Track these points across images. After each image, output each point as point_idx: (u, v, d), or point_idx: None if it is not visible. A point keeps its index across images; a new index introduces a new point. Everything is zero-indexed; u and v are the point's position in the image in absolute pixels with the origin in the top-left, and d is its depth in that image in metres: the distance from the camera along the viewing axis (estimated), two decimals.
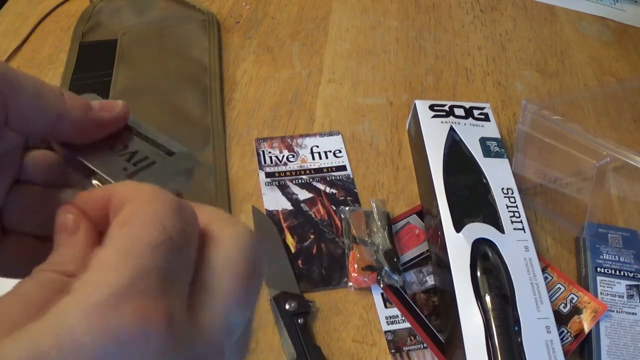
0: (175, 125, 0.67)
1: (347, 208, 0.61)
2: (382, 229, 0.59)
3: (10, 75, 0.26)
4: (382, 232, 0.58)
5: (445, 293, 0.54)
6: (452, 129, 0.63)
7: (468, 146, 0.61)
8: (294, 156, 0.66)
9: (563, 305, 0.55)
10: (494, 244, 0.54)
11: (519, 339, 0.48)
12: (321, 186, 0.64)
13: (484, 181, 0.59)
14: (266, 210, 0.61)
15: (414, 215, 0.62)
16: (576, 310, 0.54)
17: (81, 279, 0.19)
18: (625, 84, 0.76)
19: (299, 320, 0.52)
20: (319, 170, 0.65)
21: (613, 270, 0.57)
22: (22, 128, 0.28)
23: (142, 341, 0.18)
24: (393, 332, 0.54)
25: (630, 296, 0.55)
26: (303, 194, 0.63)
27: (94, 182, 0.28)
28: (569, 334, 0.53)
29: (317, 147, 0.67)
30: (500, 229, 0.55)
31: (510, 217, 0.56)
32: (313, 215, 0.61)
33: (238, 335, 0.23)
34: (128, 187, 0.23)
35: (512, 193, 0.58)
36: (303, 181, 0.64)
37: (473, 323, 0.49)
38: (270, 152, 0.66)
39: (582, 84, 0.78)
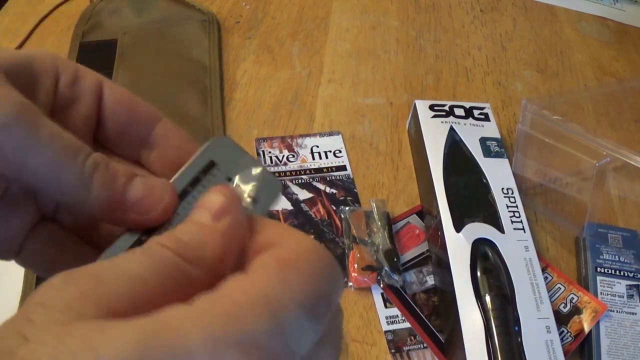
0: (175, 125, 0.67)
1: (347, 208, 0.61)
2: (382, 229, 0.59)
3: (25, 150, 0.22)
4: (382, 232, 0.58)
5: (445, 293, 0.54)
6: (452, 129, 0.63)
7: (468, 146, 0.61)
8: (294, 156, 0.66)
9: (563, 305, 0.55)
10: (494, 244, 0.54)
11: (519, 339, 0.49)
12: (321, 186, 0.64)
13: (484, 181, 0.59)
14: None
15: (414, 215, 0.62)
16: (576, 310, 0.54)
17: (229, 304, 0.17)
18: (625, 84, 0.76)
19: None
20: (319, 170, 0.65)
21: (613, 270, 0.57)
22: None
23: None
24: (393, 332, 0.54)
25: (630, 296, 0.55)
26: (303, 194, 0.63)
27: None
28: (569, 334, 0.53)
29: (317, 147, 0.67)
30: (500, 229, 0.55)
31: (510, 217, 0.56)
32: (313, 215, 0.61)
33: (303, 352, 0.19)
34: (287, 232, 0.21)
35: (512, 193, 0.58)
36: (303, 181, 0.64)
37: (473, 323, 0.49)
38: (270, 152, 0.66)
39: (582, 84, 0.78)
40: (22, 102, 0.22)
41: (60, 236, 0.27)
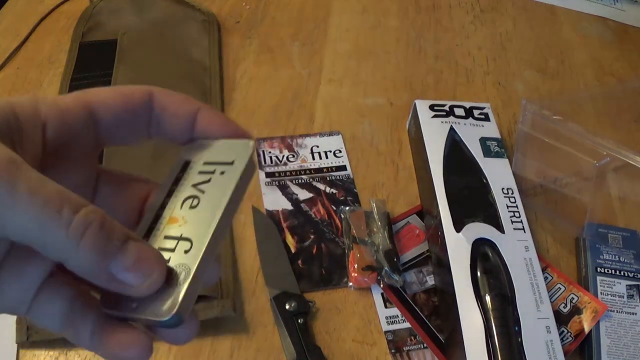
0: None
1: (347, 208, 0.61)
2: (382, 229, 0.59)
3: (5, 203, 0.21)
4: (382, 232, 0.58)
5: (445, 293, 0.54)
6: (452, 129, 0.63)
7: (468, 146, 0.61)
8: (294, 156, 0.66)
9: (563, 305, 0.55)
10: (494, 244, 0.54)
11: (519, 339, 0.48)
12: (321, 186, 0.64)
13: (484, 181, 0.59)
14: (266, 210, 0.61)
15: (414, 215, 0.62)
16: (576, 310, 0.54)
17: None
18: (625, 84, 0.76)
19: (299, 320, 0.52)
20: (319, 170, 0.65)
21: (613, 270, 0.57)
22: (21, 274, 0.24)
23: None
24: (393, 332, 0.54)
25: (631, 296, 0.55)
26: (303, 194, 0.63)
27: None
28: (569, 334, 0.53)
29: (317, 147, 0.67)
30: (500, 229, 0.55)
31: (510, 217, 0.56)
32: (313, 215, 0.61)
33: None
34: None
35: (512, 193, 0.58)
36: (303, 181, 0.64)
37: (473, 323, 0.49)
38: (270, 152, 0.66)
39: (582, 84, 0.78)
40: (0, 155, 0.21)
41: (70, 288, 0.26)
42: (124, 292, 0.23)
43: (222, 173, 0.27)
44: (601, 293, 0.55)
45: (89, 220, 0.22)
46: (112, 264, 0.22)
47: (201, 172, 0.27)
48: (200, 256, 0.24)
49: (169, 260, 0.25)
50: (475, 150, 0.61)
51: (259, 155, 0.66)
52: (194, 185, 0.27)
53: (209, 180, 0.27)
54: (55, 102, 0.25)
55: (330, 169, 0.65)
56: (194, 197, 0.26)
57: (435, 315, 0.55)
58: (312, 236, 0.59)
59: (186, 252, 0.25)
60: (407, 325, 0.54)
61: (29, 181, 0.21)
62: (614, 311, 0.54)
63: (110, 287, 0.23)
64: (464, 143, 0.62)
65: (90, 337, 0.25)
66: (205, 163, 0.27)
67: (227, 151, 0.27)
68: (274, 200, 0.62)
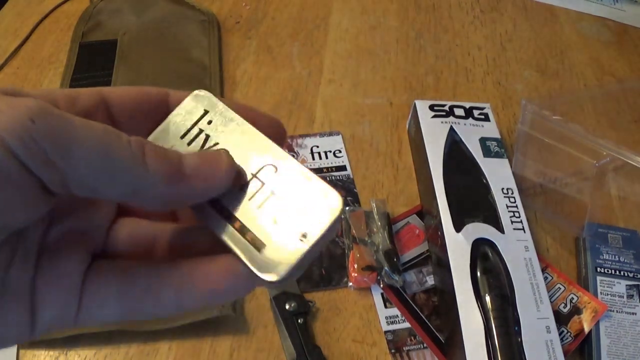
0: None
1: (347, 208, 0.61)
2: (382, 229, 0.59)
3: (65, 135, 0.19)
4: (382, 232, 0.58)
5: (445, 293, 0.54)
6: (452, 129, 0.63)
7: (468, 146, 0.61)
8: (294, 156, 0.66)
9: (563, 305, 0.55)
10: (494, 244, 0.54)
11: (519, 339, 0.49)
12: None
13: (484, 181, 0.59)
14: None
15: (414, 215, 0.62)
16: (576, 310, 0.54)
17: None
18: (625, 84, 0.76)
19: (299, 320, 0.52)
20: (319, 170, 0.65)
21: (613, 270, 0.57)
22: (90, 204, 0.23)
23: None
24: (393, 332, 0.54)
25: (630, 296, 0.55)
26: None
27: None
28: (569, 334, 0.53)
29: (317, 147, 0.67)
30: (500, 229, 0.55)
31: (510, 217, 0.56)
32: None
33: None
34: None
35: (512, 193, 0.58)
36: None
37: (473, 323, 0.49)
38: None
39: (582, 84, 0.78)
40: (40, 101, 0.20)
41: (119, 262, 0.24)
42: (208, 191, 0.23)
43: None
44: (601, 293, 0.55)
45: (142, 141, 0.21)
46: (183, 165, 0.22)
47: None
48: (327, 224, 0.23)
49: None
50: (475, 151, 0.61)
51: None
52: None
53: None
54: (68, 91, 0.25)
55: (330, 169, 0.65)
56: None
57: (435, 315, 0.55)
58: None
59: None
60: (407, 325, 0.54)
61: (76, 117, 0.20)
62: (613, 311, 0.54)
63: (195, 193, 0.22)
64: (463, 143, 0.62)
65: (172, 289, 0.23)
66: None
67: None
68: None
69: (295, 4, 0.86)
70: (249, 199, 0.24)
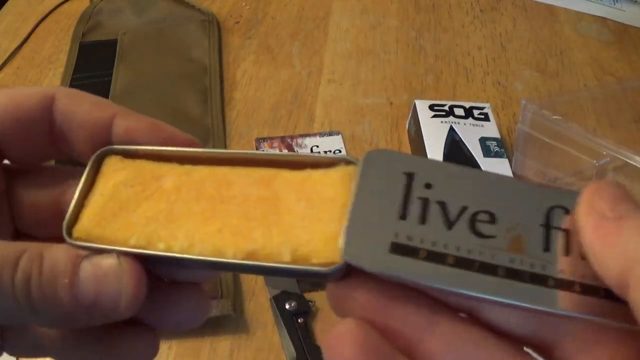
0: (175, 125, 0.67)
1: None
2: None
3: None
4: None
5: None
6: (452, 129, 0.63)
7: (468, 146, 0.61)
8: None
9: None
10: None
11: None
12: None
13: None
14: None
15: None
16: None
17: None
18: (625, 84, 0.76)
19: (299, 320, 0.52)
20: None
21: None
22: None
23: None
24: None
25: None
26: None
27: None
28: None
29: (317, 147, 0.67)
30: None
31: None
32: None
33: None
34: None
35: None
36: None
37: None
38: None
39: (582, 84, 0.78)
40: None
41: None
42: (109, 319, 0.19)
43: None
44: None
45: (27, 272, 0.18)
46: (78, 298, 0.19)
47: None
48: None
49: None
50: (475, 150, 0.61)
51: None
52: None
53: None
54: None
55: None
56: None
57: None
58: None
59: None
60: None
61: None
62: None
63: (96, 322, 0.19)
64: (463, 143, 0.62)
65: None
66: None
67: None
68: None
69: (295, 4, 0.86)
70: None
